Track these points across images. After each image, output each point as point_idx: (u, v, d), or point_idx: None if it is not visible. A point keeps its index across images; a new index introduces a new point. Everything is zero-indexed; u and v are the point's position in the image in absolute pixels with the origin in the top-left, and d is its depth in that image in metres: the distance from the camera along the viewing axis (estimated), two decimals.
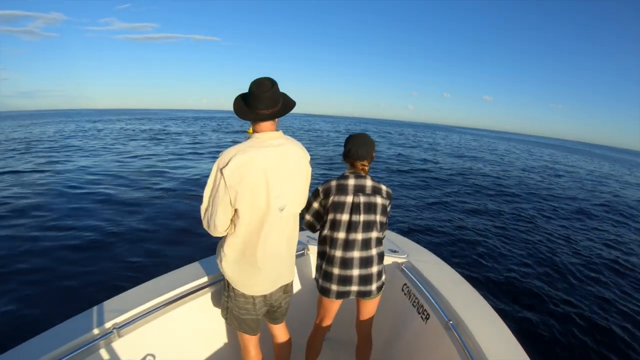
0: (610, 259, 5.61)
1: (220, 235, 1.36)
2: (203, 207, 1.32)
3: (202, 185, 1.31)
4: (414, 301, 1.86)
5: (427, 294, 1.75)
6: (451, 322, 1.53)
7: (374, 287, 1.58)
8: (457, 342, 1.43)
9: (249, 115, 1.28)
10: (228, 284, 1.43)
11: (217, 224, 1.28)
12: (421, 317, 1.77)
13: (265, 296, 1.44)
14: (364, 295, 1.59)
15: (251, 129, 1.41)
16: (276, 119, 1.33)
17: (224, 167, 1.22)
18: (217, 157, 1.27)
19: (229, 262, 1.36)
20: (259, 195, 1.26)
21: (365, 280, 1.56)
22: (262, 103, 1.25)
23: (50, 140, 17.02)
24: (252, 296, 1.41)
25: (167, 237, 5.00)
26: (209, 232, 1.34)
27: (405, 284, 1.97)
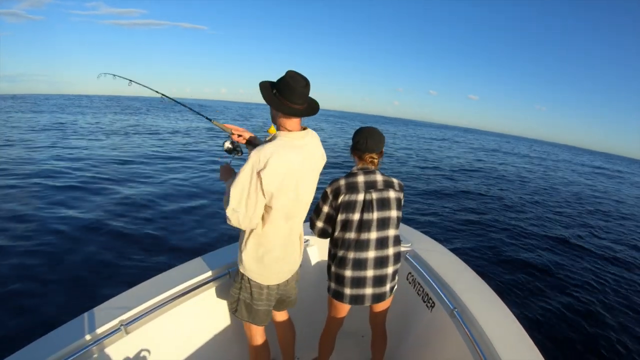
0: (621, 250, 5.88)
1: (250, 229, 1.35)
2: (231, 206, 1.24)
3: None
4: (419, 290, 1.89)
5: (432, 282, 1.78)
6: (456, 310, 1.55)
7: (387, 287, 1.54)
8: (463, 330, 1.46)
9: (283, 108, 1.24)
10: (242, 275, 1.44)
11: (252, 221, 1.27)
12: (426, 305, 1.80)
13: (278, 285, 1.47)
14: (378, 299, 1.55)
15: (273, 127, 1.38)
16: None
17: (261, 169, 1.19)
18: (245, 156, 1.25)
19: (251, 254, 1.38)
20: (290, 194, 1.29)
21: (380, 281, 1.51)
22: (299, 98, 1.23)
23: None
24: (267, 286, 1.44)
25: (174, 231, 4.91)
26: (236, 226, 1.28)
27: (409, 273, 2.00)
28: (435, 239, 2.28)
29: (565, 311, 3.66)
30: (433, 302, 1.76)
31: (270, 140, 1.30)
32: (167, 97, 1.73)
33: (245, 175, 1.22)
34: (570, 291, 4.16)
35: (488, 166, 16.12)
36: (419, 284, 1.90)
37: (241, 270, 1.44)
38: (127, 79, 1.84)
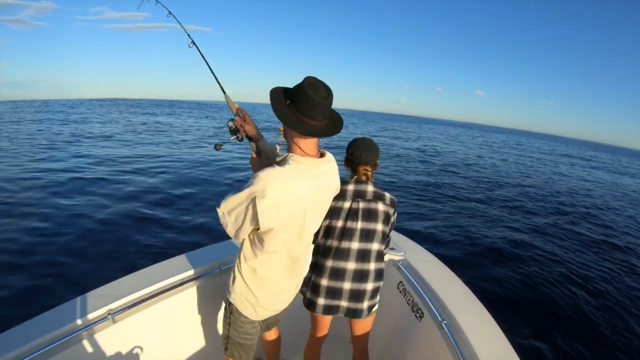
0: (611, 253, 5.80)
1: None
2: (222, 209, 1.11)
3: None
4: (409, 299, 1.87)
5: (422, 292, 1.76)
6: (445, 322, 1.53)
7: (365, 305, 1.45)
8: (450, 342, 1.44)
9: (299, 126, 1.01)
10: (231, 311, 1.30)
11: (237, 236, 1.14)
12: (415, 315, 1.78)
13: (267, 318, 1.38)
14: (353, 314, 1.47)
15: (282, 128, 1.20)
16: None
17: (259, 196, 1.00)
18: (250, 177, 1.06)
19: (244, 288, 1.24)
20: (293, 230, 1.12)
21: (356, 296, 1.44)
22: (319, 112, 1.00)
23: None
24: (258, 321, 1.35)
25: (178, 222, 5.06)
26: (223, 227, 1.17)
27: (400, 282, 1.97)
28: (431, 251, 2.25)
29: (558, 331, 3.55)
30: (422, 313, 1.74)
31: (279, 163, 1.08)
32: (195, 45, 1.61)
33: (241, 194, 1.04)
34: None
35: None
36: (409, 293, 1.88)
37: (232, 302, 1.29)
38: (167, 8, 1.78)
